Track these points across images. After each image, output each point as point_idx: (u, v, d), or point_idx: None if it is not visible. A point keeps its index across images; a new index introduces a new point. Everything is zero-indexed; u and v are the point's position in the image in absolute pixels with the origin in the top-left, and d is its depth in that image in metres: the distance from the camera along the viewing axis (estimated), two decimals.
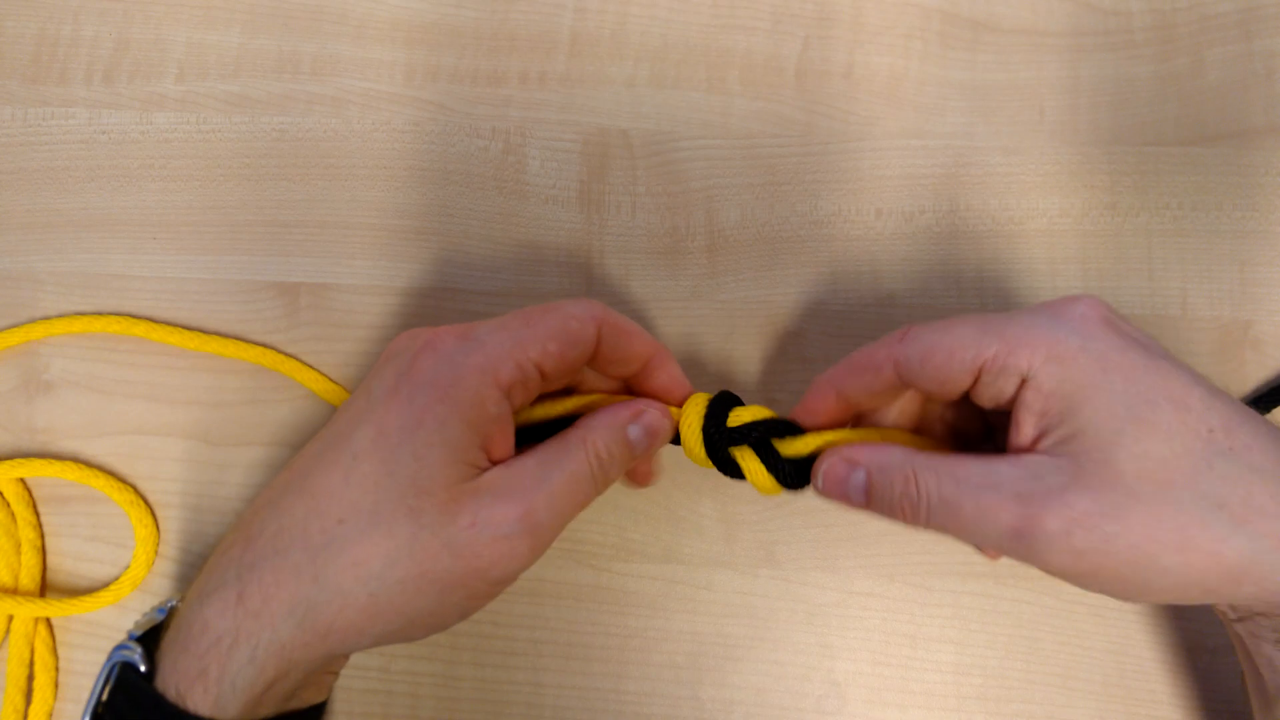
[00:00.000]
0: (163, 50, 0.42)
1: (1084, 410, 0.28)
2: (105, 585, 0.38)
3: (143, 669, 0.29)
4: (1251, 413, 0.29)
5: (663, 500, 0.39)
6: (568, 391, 0.34)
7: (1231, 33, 0.42)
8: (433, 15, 0.42)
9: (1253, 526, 0.27)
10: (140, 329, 0.39)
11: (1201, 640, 0.38)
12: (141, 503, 0.39)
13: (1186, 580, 0.27)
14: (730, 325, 0.40)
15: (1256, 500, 0.27)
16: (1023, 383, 0.29)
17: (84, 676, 0.38)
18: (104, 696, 0.30)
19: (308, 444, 0.31)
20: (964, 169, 0.41)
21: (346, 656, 0.31)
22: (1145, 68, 0.42)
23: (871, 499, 0.31)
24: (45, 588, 0.39)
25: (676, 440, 0.34)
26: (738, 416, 0.33)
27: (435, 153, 0.41)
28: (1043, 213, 0.41)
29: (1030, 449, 0.29)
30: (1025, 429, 0.29)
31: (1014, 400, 0.29)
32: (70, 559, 0.39)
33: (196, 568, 0.39)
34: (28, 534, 0.38)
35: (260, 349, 0.39)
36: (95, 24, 0.42)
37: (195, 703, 0.28)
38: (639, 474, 0.36)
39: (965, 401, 0.31)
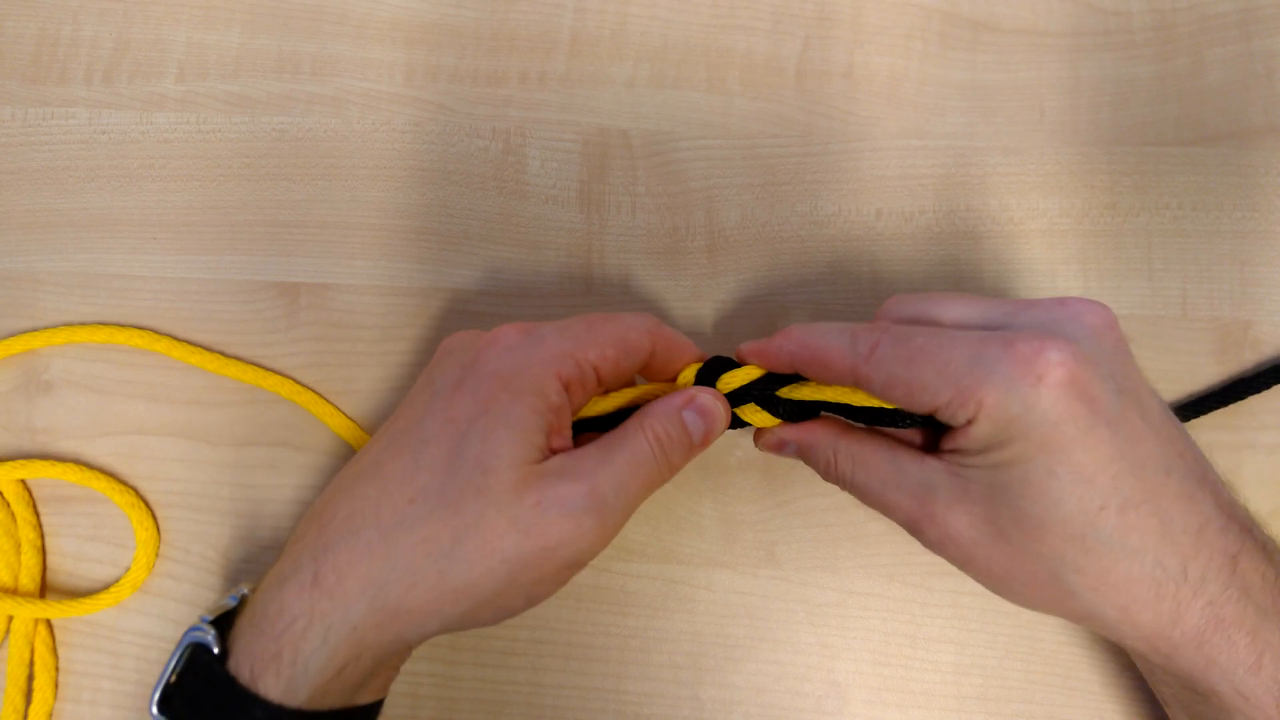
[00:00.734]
0: (163, 50, 0.42)
1: (996, 454, 0.29)
2: (105, 586, 0.38)
3: (216, 651, 0.29)
4: (1178, 477, 0.29)
5: (663, 500, 0.39)
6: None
7: (1231, 33, 0.42)
8: (433, 15, 0.42)
9: (1102, 594, 0.29)
10: (162, 345, 0.39)
11: None
12: (142, 505, 0.39)
13: (1050, 608, 0.31)
14: (730, 325, 0.40)
15: (1113, 577, 0.29)
16: (975, 414, 0.29)
17: (84, 677, 0.38)
18: (173, 678, 0.30)
19: (374, 437, 0.32)
20: (964, 169, 0.41)
21: (410, 650, 0.31)
22: (1145, 68, 0.42)
23: (805, 461, 0.35)
24: (45, 588, 0.39)
25: (735, 425, 0.35)
26: (730, 378, 0.34)
27: (435, 153, 0.41)
28: (1043, 213, 0.41)
29: (942, 453, 0.31)
30: (946, 442, 0.31)
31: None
32: (70, 559, 0.39)
33: (197, 568, 0.39)
34: (28, 534, 0.38)
35: (278, 378, 0.39)
36: (95, 24, 0.42)
37: (267, 686, 0.28)
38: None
39: None
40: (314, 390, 0.39)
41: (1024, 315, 0.31)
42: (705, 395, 0.33)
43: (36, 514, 0.39)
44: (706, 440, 0.33)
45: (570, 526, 0.29)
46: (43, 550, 0.39)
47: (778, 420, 0.34)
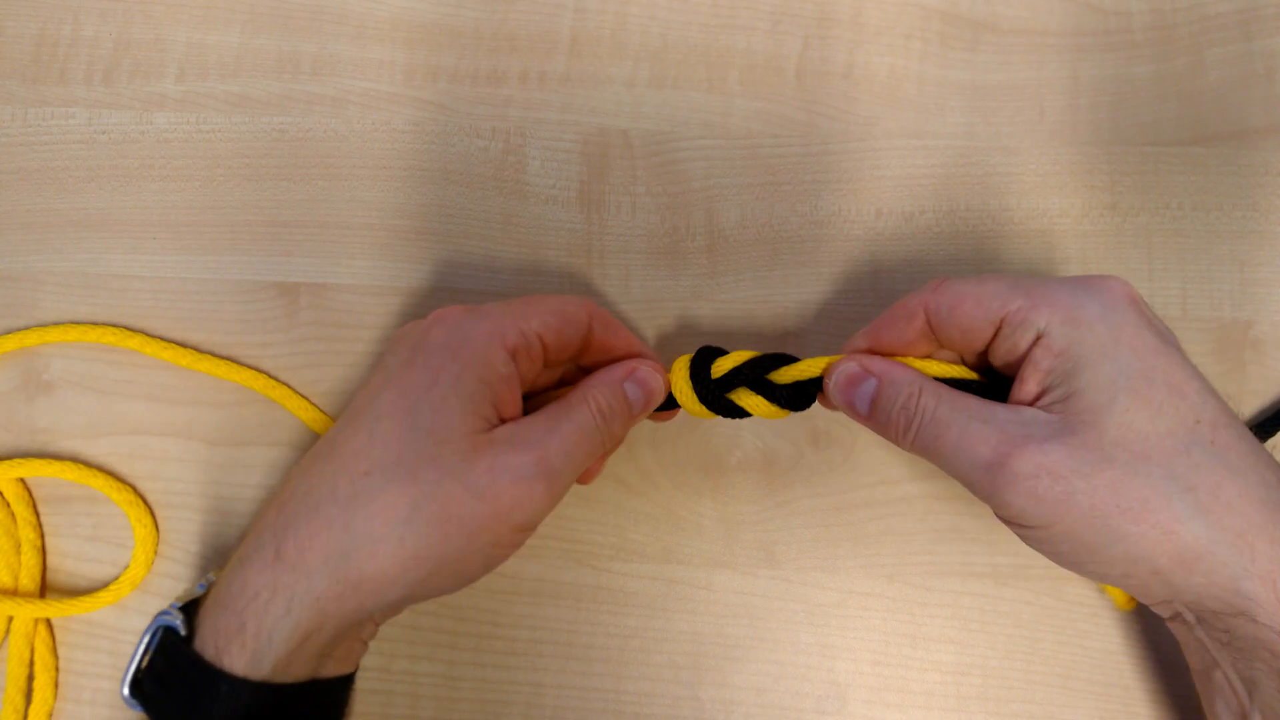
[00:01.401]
0: (163, 50, 0.42)
1: (1085, 373, 0.29)
2: (105, 585, 0.38)
3: (183, 633, 0.30)
4: (1239, 421, 0.30)
5: (663, 500, 0.39)
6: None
7: (1231, 33, 0.42)
8: (433, 15, 0.42)
9: (1215, 517, 0.28)
10: (134, 342, 0.39)
11: None
12: (141, 503, 0.39)
13: (1137, 552, 0.28)
14: (730, 325, 0.40)
15: (1225, 494, 0.28)
16: (1036, 339, 0.30)
17: (84, 676, 0.38)
18: (144, 663, 0.31)
19: (336, 422, 0.33)
20: (964, 169, 0.41)
21: (376, 624, 0.32)
22: (1145, 68, 0.42)
23: (874, 409, 0.32)
24: (45, 587, 0.39)
25: (670, 404, 0.35)
26: (722, 364, 0.34)
27: (435, 153, 0.41)
28: (1043, 213, 0.41)
29: (1029, 404, 0.30)
30: (1029, 384, 0.30)
31: (1024, 357, 0.31)
32: (70, 559, 0.39)
33: (197, 567, 0.39)
34: (28, 534, 0.38)
35: (250, 372, 0.39)
36: (95, 24, 0.42)
37: (231, 660, 0.29)
38: (585, 471, 0.37)
39: (983, 367, 0.33)
40: (288, 385, 0.39)
41: (1048, 279, 0.32)
42: (644, 368, 0.34)
43: (36, 514, 0.39)
44: (645, 408, 0.34)
45: (522, 491, 0.30)
46: (43, 549, 0.39)
47: (778, 407, 0.34)
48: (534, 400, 0.35)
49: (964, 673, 0.38)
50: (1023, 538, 0.31)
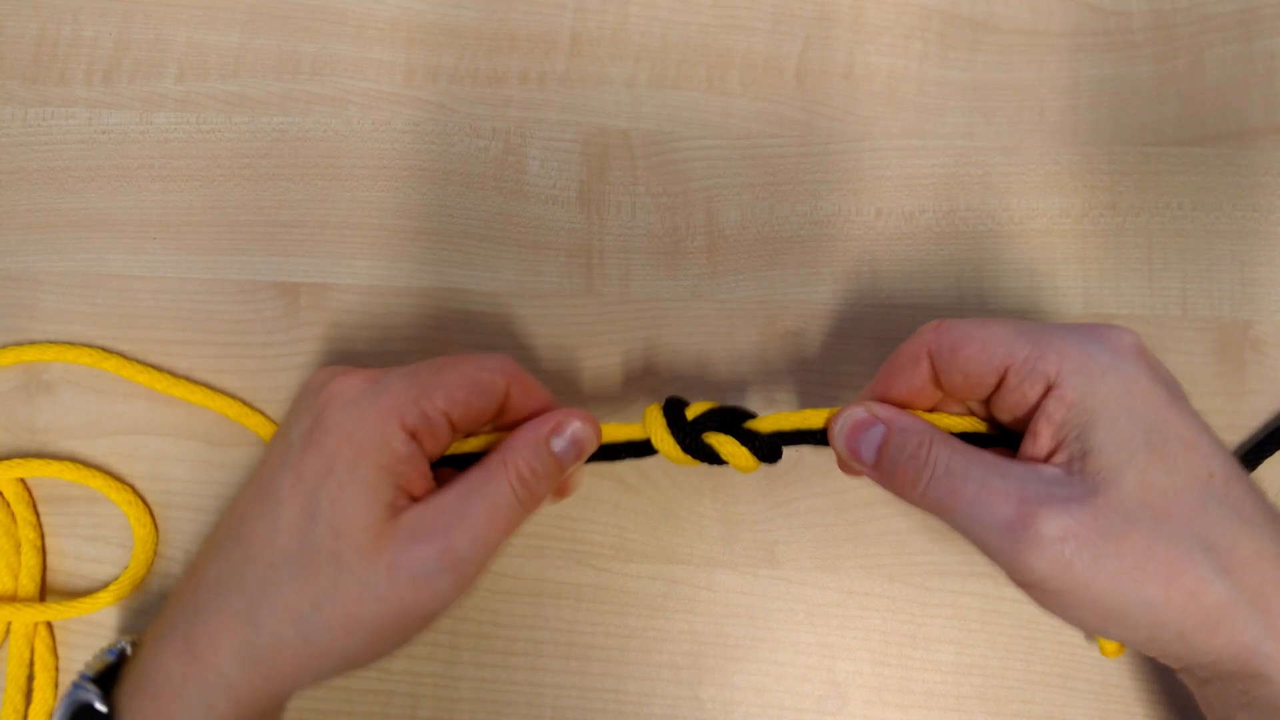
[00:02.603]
0: (163, 50, 0.42)
1: (1102, 427, 0.28)
2: (105, 585, 0.38)
3: (104, 710, 0.29)
4: (1246, 473, 0.29)
5: (663, 500, 0.39)
6: None
7: (1231, 33, 0.42)
8: (433, 15, 0.42)
9: (1235, 575, 0.27)
10: (111, 364, 0.39)
11: None
12: (140, 502, 0.39)
13: (1164, 617, 0.27)
14: (730, 325, 0.40)
15: (1242, 550, 0.27)
16: (1047, 390, 0.29)
17: None
18: None
19: (241, 489, 0.32)
20: (964, 169, 0.41)
21: (288, 699, 0.31)
22: (1145, 68, 0.42)
23: (881, 458, 0.31)
24: (45, 587, 0.39)
25: (601, 456, 0.33)
26: (693, 411, 0.33)
27: (435, 153, 0.41)
28: (1043, 213, 0.41)
29: (1044, 460, 0.29)
30: (1042, 439, 0.29)
31: (1034, 409, 0.29)
32: (70, 559, 0.39)
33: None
34: (28, 534, 0.38)
35: (226, 399, 0.39)
36: (95, 24, 0.42)
37: None
38: (560, 486, 0.35)
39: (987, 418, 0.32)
40: (262, 413, 0.39)
41: (1052, 326, 0.31)
42: (576, 420, 0.32)
43: (36, 514, 0.39)
44: (577, 460, 0.32)
45: (426, 588, 0.29)
46: (42, 549, 0.39)
47: (756, 459, 0.33)
48: (453, 460, 0.33)
49: (964, 673, 0.38)
50: (1039, 601, 0.29)
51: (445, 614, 0.30)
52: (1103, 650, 0.38)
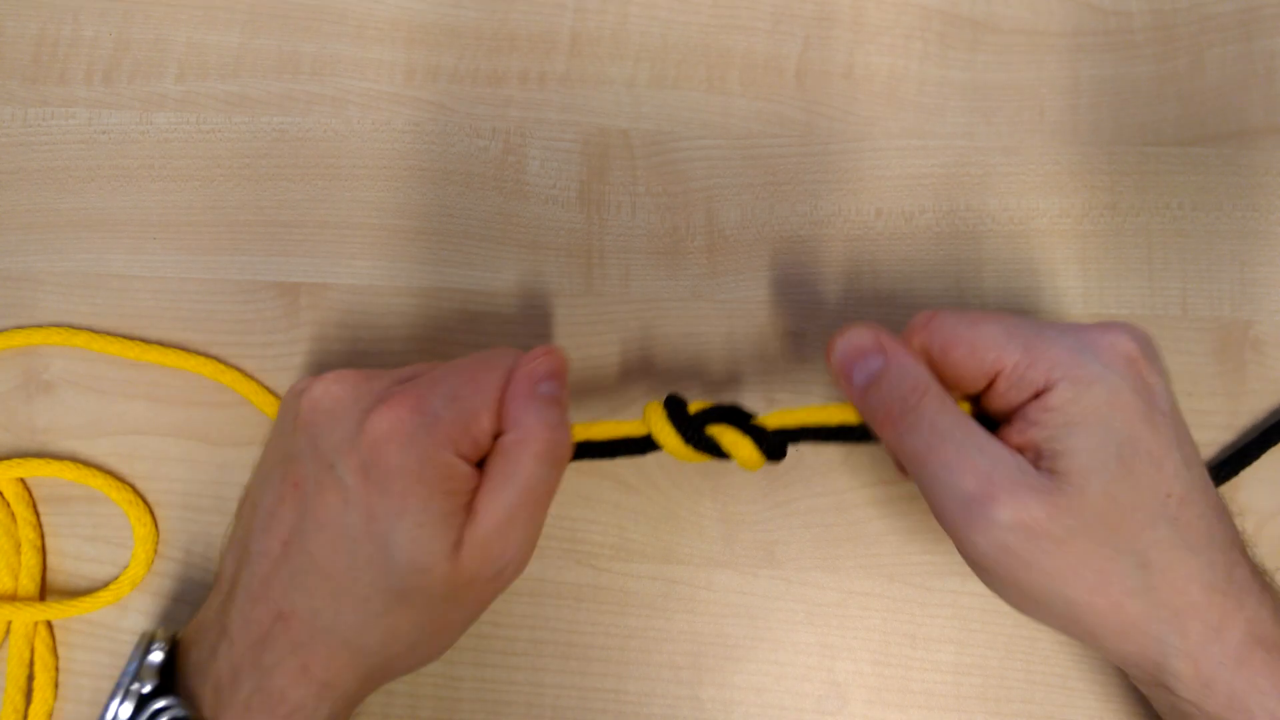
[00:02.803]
0: (163, 50, 0.42)
1: (1078, 435, 0.28)
2: (105, 585, 0.38)
3: None
4: (1210, 492, 0.30)
5: (663, 500, 0.39)
6: None
7: (1231, 33, 0.42)
8: (433, 15, 0.42)
9: (1160, 595, 0.28)
10: (80, 339, 0.39)
11: None
12: (140, 502, 0.39)
13: (1081, 618, 0.29)
14: (730, 325, 0.40)
15: (1175, 574, 0.28)
16: (1034, 396, 0.29)
17: (84, 676, 0.38)
18: None
19: (286, 514, 0.31)
20: (964, 169, 0.41)
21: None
22: (1145, 68, 0.42)
23: (870, 389, 0.30)
24: (45, 587, 0.39)
25: (601, 453, 0.34)
26: (693, 408, 0.33)
27: (435, 153, 0.41)
28: (1043, 213, 0.41)
29: (1019, 449, 0.29)
30: (1015, 430, 0.29)
31: (1018, 408, 0.30)
32: (70, 559, 0.39)
33: (197, 567, 0.39)
34: (28, 534, 0.38)
35: (201, 359, 0.39)
36: (95, 24, 0.42)
37: None
38: None
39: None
40: (238, 369, 0.39)
41: (1045, 328, 0.30)
42: (540, 358, 0.32)
43: (36, 513, 0.39)
44: (564, 391, 0.33)
45: (498, 583, 0.32)
46: (42, 549, 0.39)
47: (761, 454, 0.33)
48: None
49: (964, 673, 0.38)
50: (980, 576, 0.30)
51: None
52: None
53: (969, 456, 0.28)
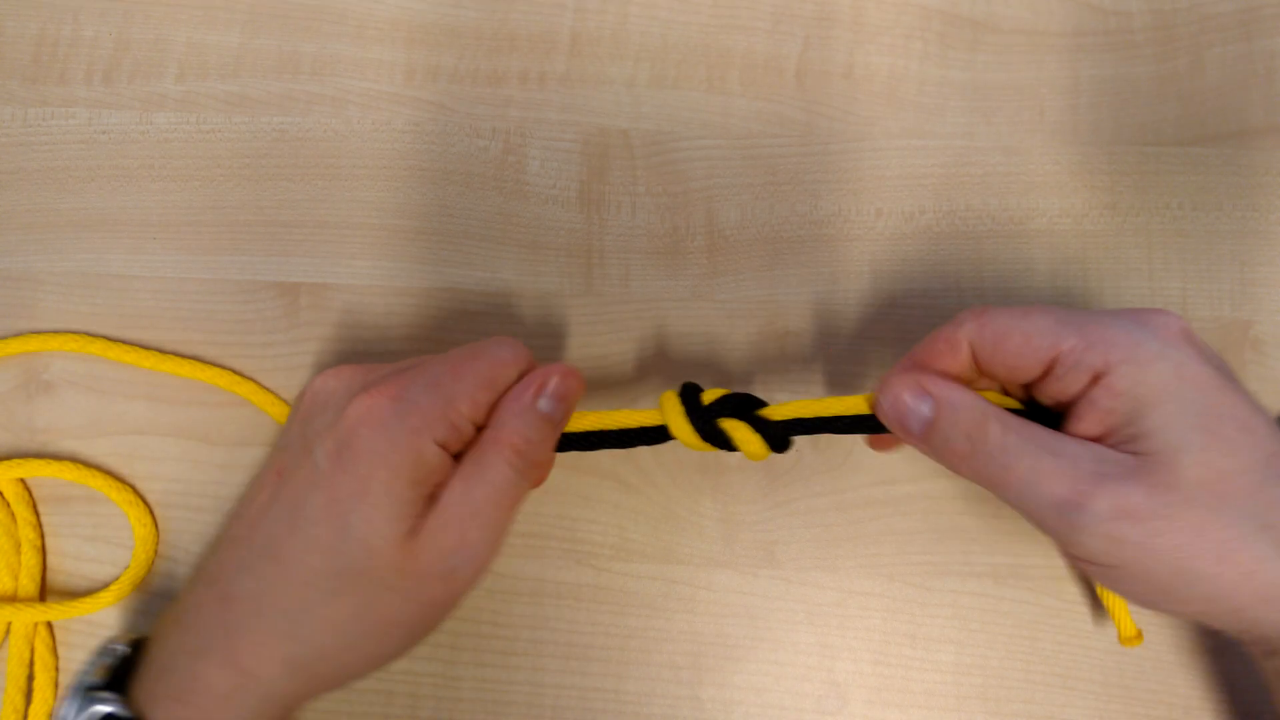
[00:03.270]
0: (163, 50, 0.42)
1: (1153, 414, 0.28)
2: (105, 585, 0.38)
3: (128, 717, 0.30)
4: None
5: (663, 500, 0.39)
6: None
7: (1231, 33, 0.42)
8: (433, 15, 0.42)
9: None
10: (96, 347, 0.39)
11: (1201, 640, 0.38)
12: (140, 502, 0.39)
13: (1218, 592, 0.28)
14: (730, 325, 0.40)
15: None
16: (1093, 380, 0.29)
17: None
18: None
19: (270, 505, 0.32)
20: (964, 169, 0.41)
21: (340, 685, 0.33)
22: (1145, 68, 0.42)
23: (930, 433, 0.30)
24: (45, 587, 0.39)
25: (614, 443, 0.34)
26: (708, 397, 0.33)
27: (435, 153, 0.41)
28: (1043, 213, 0.41)
29: (1095, 441, 0.29)
30: (1088, 424, 0.29)
31: (1079, 396, 0.30)
32: (70, 559, 0.39)
33: (197, 567, 0.39)
34: (28, 534, 0.38)
35: (216, 370, 0.39)
36: (95, 24, 0.42)
37: None
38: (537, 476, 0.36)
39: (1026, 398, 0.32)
40: (258, 383, 0.39)
41: (1096, 314, 0.31)
42: (555, 377, 0.32)
43: (36, 514, 0.39)
44: (566, 416, 0.33)
45: (450, 583, 0.31)
46: (42, 549, 0.39)
47: (764, 445, 0.33)
48: None
49: (964, 673, 0.38)
50: (1092, 575, 0.30)
51: (469, 595, 0.32)
52: (1121, 638, 0.37)
53: (1047, 465, 0.28)
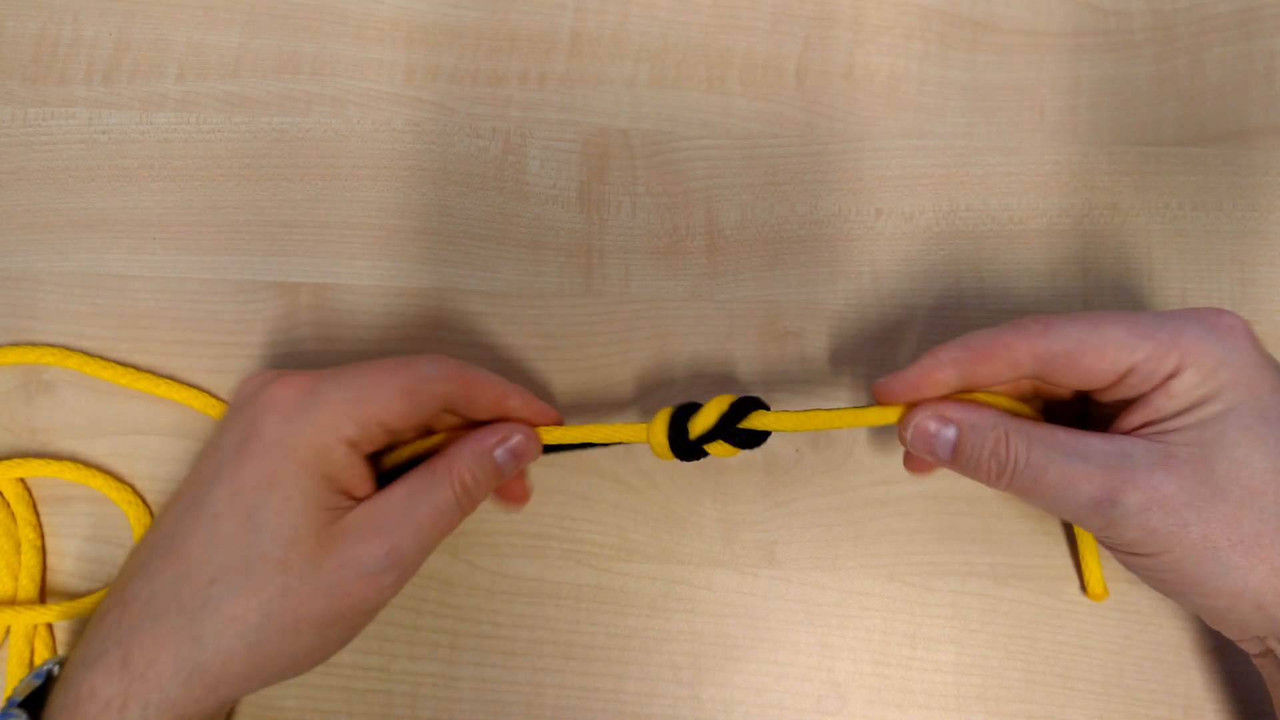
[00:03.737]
0: (163, 50, 0.42)
1: (1199, 410, 0.29)
2: (105, 585, 0.38)
3: None
4: None
5: (663, 500, 0.39)
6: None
7: (1231, 33, 0.42)
8: (433, 15, 0.42)
9: None
10: (73, 361, 0.39)
11: (1201, 640, 0.38)
12: (140, 502, 0.39)
13: (1244, 586, 0.28)
14: (730, 325, 0.40)
15: None
16: (1160, 384, 0.30)
17: None
18: None
19: (168, 502, 0.32)
20: (964, 169, 0.41)
21: (232, 705, 0.32)
22: (1145, 68, 0.42)
23: (958, 456, 0.31)
24: (45, 588, 0.39)
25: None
26: (704, 421, 0.33)
27: (435, 153, 0.41)
28: (1043, 213, 0.41)
29: (1129, 433, 0.30)
30: (1134, 418, 0.30)
31: (1139, 397, 0.30)
32: (70, 559, 0.39)
33: None
34: (28, 534, 0.38)
35: (192, 391, 0.39)
36: (95, 24, 0.42)
37: None
38: (513, 495, 0.37)
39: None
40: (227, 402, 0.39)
41: (1166, 318, 0.31)
42: (519, 436, 0.33)
43: (36, 514, 0.39)
44: (514, 472, 0.34)
45: (372, 584, 0.30)
46: (42, 549, 0.39)
47: (736, 449, 0.34)
48: (399, 450, 0.34)
49: (964, 673, 0.38)
50: (1126, 564, 0.31)
51: (385, 606, 0.32)
52: (1089, 593, 0.37)
53: (1076, 469, 0.29)
